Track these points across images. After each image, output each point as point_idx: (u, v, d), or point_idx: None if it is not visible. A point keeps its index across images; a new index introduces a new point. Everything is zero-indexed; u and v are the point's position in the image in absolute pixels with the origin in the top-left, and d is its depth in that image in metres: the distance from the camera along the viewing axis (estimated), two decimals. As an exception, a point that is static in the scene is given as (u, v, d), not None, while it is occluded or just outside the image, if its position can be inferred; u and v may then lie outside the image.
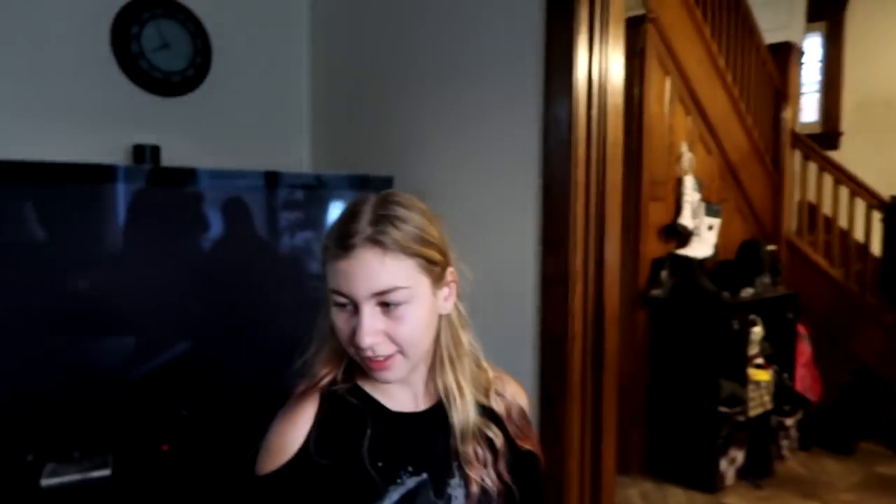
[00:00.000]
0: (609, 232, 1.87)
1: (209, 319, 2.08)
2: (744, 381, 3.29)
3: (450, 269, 0.90)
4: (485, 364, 0.97)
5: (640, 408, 3.34)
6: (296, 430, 0.87)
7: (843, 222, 4.18)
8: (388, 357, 0.85)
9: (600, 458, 1.95)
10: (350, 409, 0.89)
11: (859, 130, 4.91)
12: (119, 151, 2.20)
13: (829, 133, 5.04)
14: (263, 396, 2.05)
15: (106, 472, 1.80)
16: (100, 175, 1.90)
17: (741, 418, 3.28)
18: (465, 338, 0.94)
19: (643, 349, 3.34)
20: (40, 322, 1.87)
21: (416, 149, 2.18)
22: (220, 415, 2.04)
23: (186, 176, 1.99)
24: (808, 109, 5.17)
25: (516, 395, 1.01)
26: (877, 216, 3.98)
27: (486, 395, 0.96)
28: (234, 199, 2.05)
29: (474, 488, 0.90)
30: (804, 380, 3.81)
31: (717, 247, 3.51)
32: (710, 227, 3.43)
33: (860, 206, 4.05)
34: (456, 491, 0.90)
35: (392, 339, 0.84)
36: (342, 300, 0.84)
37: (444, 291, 0.90)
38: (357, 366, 0.90)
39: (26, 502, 1.73)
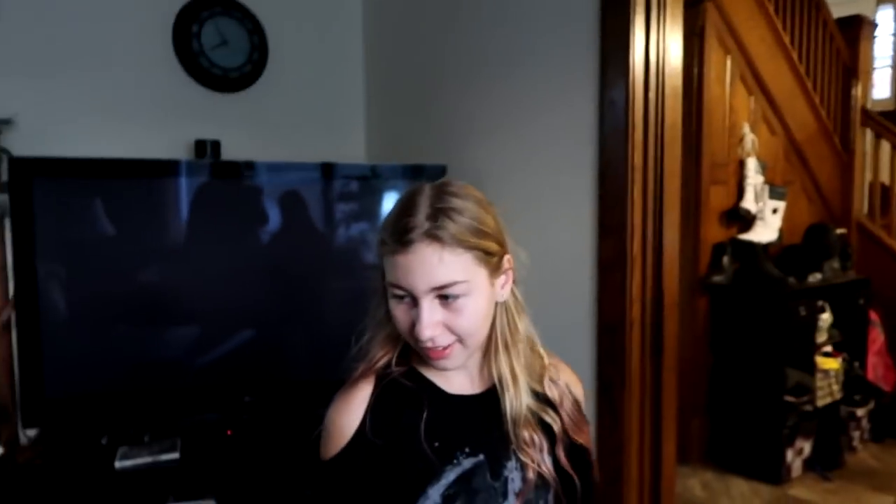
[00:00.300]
0: (668, 216, 1.82)
1: (269, 309, 2.12)
2: (811, 369, 3.16)
3: (507, 257, 0.90)
4: (540, 350, 0.97)
5: (701, 396, 3.26)
6: (352, 411, 0.88)
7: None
8: (446, 346, 0.85)
9: (660, 448, 1.91)
10: (406, 390, 0.90)
11: (937, 106, 4.64)
12: (181, 147, 2.27)
13: (903, 110, 4.78)
14: (321, 384, 2.10)
15: (175, 456, 1.87)
16: (163, 170, 1.96)
17: (808, 408, 3.16)
18: (521, 324, 0.93)
19: (703, 336, 3.25)
20: (112, 313, 1.95)
21: (470, 137, 2.17)
22: (280, 401, 2.09)
23: (245, 169, 2.03)
24: (881, 86, 4.91)
25: (571, 384, 1.00)
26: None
27: (541, 382, 0.95)
28: (290, 191, 2.08)
29: (531, 473, 0.89)
30: (876, 368, 3.64)
31: (782, 231, 3.37)
32: (775, 211, 3.30)
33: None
34: (513, 474, 0.90)
35: (451, 330, 0.85)
36: (401, 293, 0.84)
37: (501, 279, 0.90)
38: (412, 348, 0.91)
39: (102, 482, 1.81)
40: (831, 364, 3.27)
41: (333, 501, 0.89)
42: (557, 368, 0.99)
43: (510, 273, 0.91)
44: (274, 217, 2.08)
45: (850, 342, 3.44)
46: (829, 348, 3.31)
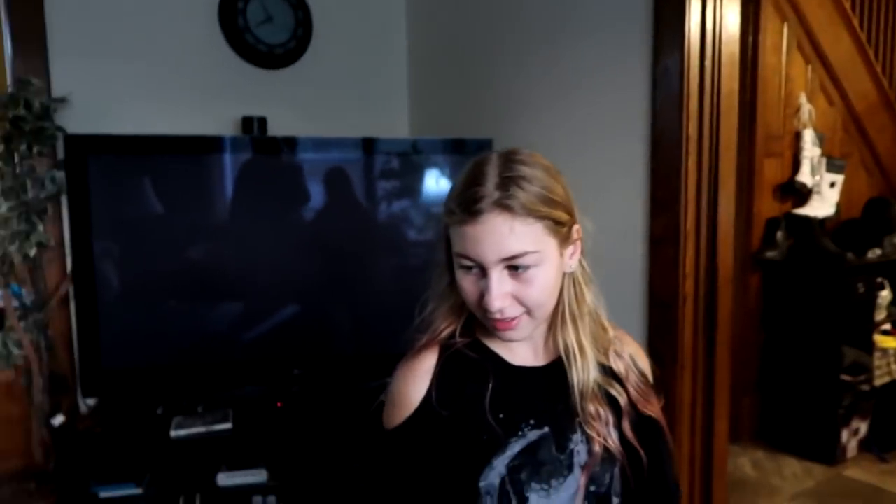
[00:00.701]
0: (723, 189, 1.76)
1: (316, 284, 2.14)
2: (869, 348, 3.04)
3: (576, 227, 0.87)
4: (605, 323, 0.94)
5: (752, 374, 3.17)
6: (417, 381, 0.87)
7: None
8: (514, 318, 0.83)
9: (712, 425, 1.87)
10: (470, 361, 0.89)
11: None
12: (229, 124, 2.28)
13: (971, 77, 4.51)
14: (367, 358, 2.11)
15: (227, 426, 1.91)
16: (209, 146, 1.97)
17: (865, 387, 3.04)
18: (589, 295, 0.91)
19: (755, 313, 3.16)
20: (165, 288, 1.99)
21: (517, 109, 2.13)
22: (328, 374, 2.11)
23: (287, 144, 2.04)
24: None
25: (636, 357, 0.97)
26: None
27: (606, 355, 0.92)
28: (332, 166, 2.08)
29: (597, 447, 0.88)
30: (938, 348, 3.49)
31: (839, 205, 3.24)
32: (832, 185, 3.17)
33: None
34: (578, 447, 0.88)
35: (520, 302, 0.83)
36: (469, 264, 0.82)
37: (570, 250, 0.87)
38: (476, 320, 0.89)
39: (158, 450, 1.86)
40: (890, 342, 3.14)
41: (396, 470, 0.89)
42: (622, 341, 0.96)
43: (578, 243, 0.88)
44: (317, 192, 2.09)
45: (911, 320, 3.29)
46: (888, 326, 3.18)
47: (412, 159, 2.14)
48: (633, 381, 0.93)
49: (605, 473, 0.89)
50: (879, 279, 3.12)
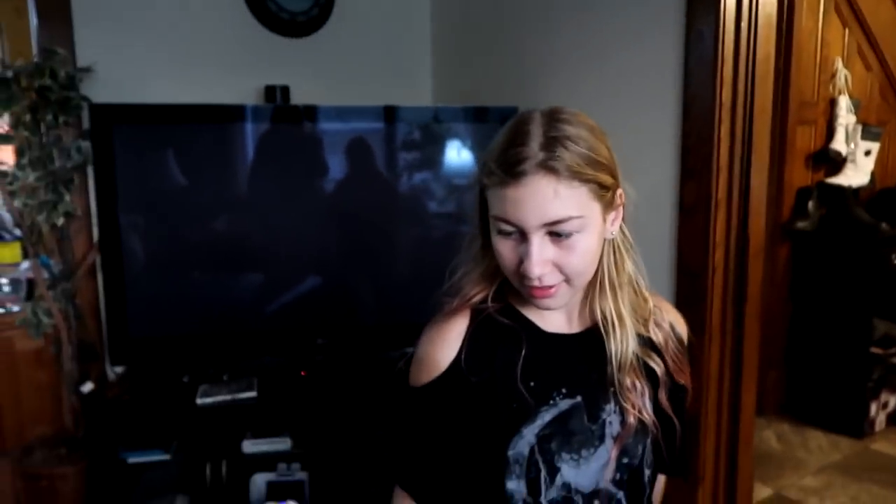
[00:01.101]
0: (756, 157, 1.69)
1: (340, 254, 2.12)
2: (901, 320, 2.97)
3: (619, 191, 0.83)
4: (645, 292, 0.90)
5: (779, 347, 3.11)
6: (447, 344, 0.84)
7: None
8: (553, 286, 0.79)
9: (739, 397, 1.83)
10: (502, 327, 0.85)
11: None
12: (252, 93, 2.25)
13: None
14: (389, 328, 2.10)
15: (252, 394, 1.91)
16: (231, 115, 1.94)
17: (896, 360, 2.98)
18: (629, 263, 0.87)
19: (783, 285, 3.09)
20: (190, 257, 1.99)
21: (543, 76, 2.06)
22: (351, 344, 2.10)
23: (307, 112, 2.00)
24: None
25: (675, 324, 0.94)
26: None
27: (646, 325, 0.88)
28: (353, 134, 2.05)
29: (631, 419, 0.85)
30: (972, 321, 3.39)
31: (874, 174, 3.13)
32: (868, 153, 3.06)
33: None
34: (611, 417, 0.85)
35: (560, 269, 0.79)
36: (508, 228, 0.78)
37: (612, 215, 0.83)
38: (509, 285, 0.85)
39: (185, 417, 1.88)
40: (923, 315, 3.06)
41: (421, 427, 0.87)
42: (662, 309, 0.92)
43: (621, 209, 0.84)
44: (339, 161, 2.06)
45: (944, 293, 3.20)
46: (921, 299, 3.09)
47: (434, 128, 2.09)
48: (671, 350, 0.90)
49: (637, 445, 0.86)
50: (914, 250, 3.03)
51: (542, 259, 0.77)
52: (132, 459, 1.83)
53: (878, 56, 3.19)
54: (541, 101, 2.02)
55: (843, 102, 3.00)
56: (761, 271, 1.82)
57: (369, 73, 2.47)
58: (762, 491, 2.46)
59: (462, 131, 2.09)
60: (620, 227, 0.85)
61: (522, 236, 0.77)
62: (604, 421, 0.85)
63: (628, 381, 0.85)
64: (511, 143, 0.77)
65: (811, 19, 2.86)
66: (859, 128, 3.03)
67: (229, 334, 2.01)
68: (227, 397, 1.88)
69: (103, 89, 1.99)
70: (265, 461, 1.92)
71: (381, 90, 2.44)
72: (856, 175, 3.05)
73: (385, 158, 2.11)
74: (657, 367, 0.87)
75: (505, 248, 0.79)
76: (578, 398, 0.84)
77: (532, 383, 0.83)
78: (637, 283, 0.89)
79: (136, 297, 1.91)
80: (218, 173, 2.00)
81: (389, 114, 2.04)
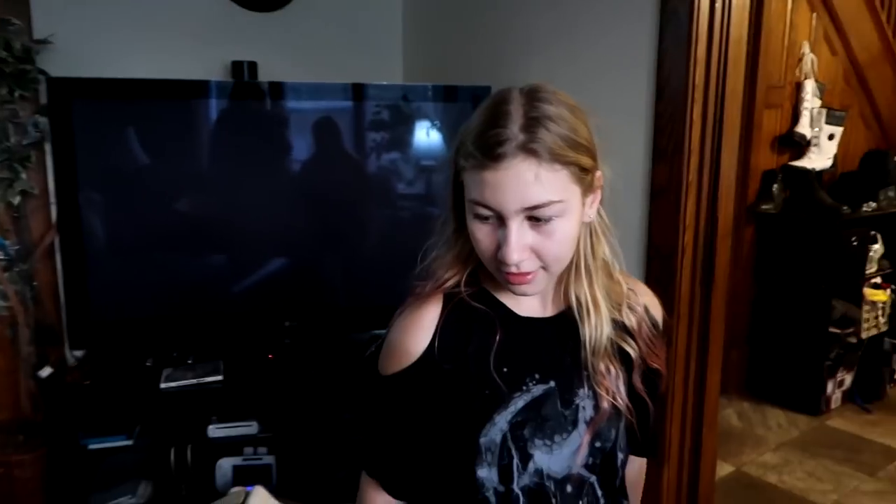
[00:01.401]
0: (727, 140, 1.69)
1: (308, 235, 2.08)
2: (859, 301, 3.04)
3: (598, 173, 0.79)
4: (618, 276, 0.87)
5: (741, 327, 3.16)
6: (420, 332, 0.81)
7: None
8: (530, 272, 0.76)
9: (704, 377, 1.85)
10: (476, 313, 0.82)
11: None
12: (218, 68, 2.17)
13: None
14: (358, 310, 2.07)
15: (218, 378, 1.87)
16: (194, 91, 1.87)
17: (853, 340, 3.05)
18: (605, 247, 0.84)
19: (748, 267, 3.13)
20: (153, 238, 1.92)
21: (517, 55, 2.03)
22: (320, 326, 2.06)
23: (273, 89, 1.94)
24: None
25: (650, 307, 0.92)
26: None
27: (619, 310, 0.86)
28: (320, 112, 1.99)
29: (605, 404, 0.83)
30: (923, 301, 3.49)
31: (837, 158, 3.18)
32: (831, 137, 3.10)
33: None
34: (584, 402, 0.84)
35: (538, 255, 0.76)
36: (485, 212, 0.74)
37: (591, 198, 0.80)
38: (482, 269, 0.82)
39: (148, 402, 1.82)
40: (880, 296, 3.13)
41: (390, 415, 0.85)
42: (636, 291, 0.90)
43: (599, 191, 0.81)
44: (305, 140, 2.01)
45: (899, 273, 3.28)
46: (878, 280, 3.16)
47: (403, 106, 2.04)
48: (644, 334, 0.87)
49: (611, 429, 0.85)
50: (872, 232, 3.09)
51: (520, 244, 0.74)
52: (93, 445, 1.77)
53: (843, 41, 3.22)
54: (514, 79, 1.98)
55: (810, 86, 3.03)
56: (729, 253, 1.83)
57: (339, 50, 2.40)
58: (723, 468, 2.51)
59: (432, 110, 2.05)
60: (598, 211, 0.82)
61: (500, 221, 0.74)
62: (577, 406, 0.83)
63: (602, 366, 0.83)
64: (489, 124, 0.73)
65: (780, 3, 2.87)
66: (824, 112, 3.07)
67: (194, 317, 1.96)
68: (193, 381, 1.83)
69: (62, 62, 1.90)
70: (231, 446, 1.88)
71: (351, 67, 2.37)
72: (819, 158, 3.09)
73: (353, 137, 2.06)
74: (631, 350, 0.86)
75: (481, 233, 0.76)
76: (552, 383, 0.82)
77: (505, 369, 0.81)
78: (612, 266, 0.86)
79: (97, 279, 1.85)
80: (182, 151, 1.93)
81: (357, 92, 1.99)
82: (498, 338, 0.81)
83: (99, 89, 1.80)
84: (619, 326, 0.86)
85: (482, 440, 0.79)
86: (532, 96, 0.75)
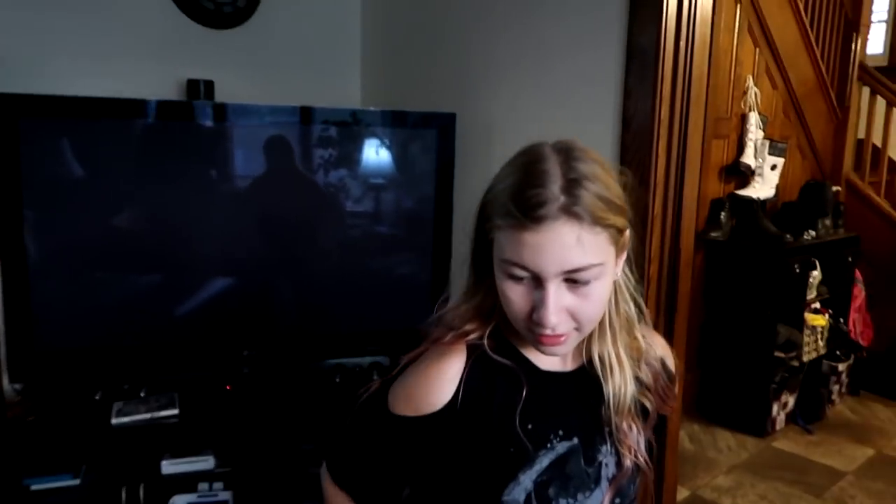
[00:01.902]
0: (689, 173, 1.76)
1: (266, 261, 2.03)
2: (800, 325, 3.18)
3: (627, 233, 0.79)
4: (637, 333, 0.87)
5: (692, 351, 3.27)
6: (444, 383, 0.79)
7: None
8: (564, 333, 0.76)
9: (667, 405, 1.90)
10: (499, 366, 0.81)
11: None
12: (174, 86, 2.12)
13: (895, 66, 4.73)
14: (321, 336, 2.04)
15: (173, 412, 1.80)
16: (140, 110, 1.81)
17: (795, 363, 3.19)
18: (630, 304, 0.84)
19: (697, 292, 3.24)
20: (102, 263, 1.84)
21: (481, 83, 2.05)
22: (279, 355, 2.02)
23: (221, 110, 1.90)
24: (874, 41, 4.84)
25: (666, 358, 0.92)
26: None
27: (638, 365, 0.86)
28: (273, 134, 1.95)
29: (627, 462, 0.84)
30: (856, 325, 3.68)
31: (778, 188, 3.34)
32: (773, 167, 3.26)
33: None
34: (606, 458, 0.84)
35: (573, 316, 0.75)
36: (521, 274, 0.73)
37: (622, 256, 0.80)
38: (503, 323, 0.82)
39: (97, 438, 1.74)
40: (819, 321, 3.30)
41: (386, 447, 0.84)
42: (652, 344, 0.90)
43: (626, 248, 0.81)
44: (256, 162, 1.97)
45: (835, 299, 3.46)
46: (817, 305, 3.33)
47: (353, 130, 2.03)
48: (660, 388, 0.88)
49: (630, 485, 0.86)
50: (812, 259, 3.25)
51: (558, 307, 0.73)
52: (36, 486, 1.67)
53: (782, 75, 3.40)
54: (478, 107, 2.04)
55: (753, 118, 3.18)
56: (690, 282, 1.89)
57: (297, 70, 2.38)
58: (680, 492, 2.57)
59: (382, 135, 2.05)
60: (623, 268, 0.82)
61: (535, 281, 0.73)
62: (600, 463, 0.83)
63: (625, 425, 0.83)
64: (527, 184, 0.72)
65: (727, 38, 3.01)
66: (767, 143, 3.23)
67: (146, 347, 1.88)
68: (146, 416, 1.75)
69: (10, 79, 1.81)
70: (186, 482, 1.81)
71: (309, 88, 2.36)
72: (763, 188, 3.24)
73: (304, 160, 2.03)
74: (649, 405, 0.87)
75: (515, 294, 0.75)
76: (575, 440, 0.82)
77: (530, 426, 0.80)
78: (634, 323, 0.86)
79: (40, 306, 1.75)
80: (133, 172, 1.87)
81: (306, 115, 1.96)
82: (524, 393, 0.80)
83: (47, 107, 1.72)
84: (639, 383, 0.86)
85: (505, 498, 0.78)
86: (568, 155, 0.74)
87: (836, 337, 3.47)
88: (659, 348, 0.92)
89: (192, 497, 1.81)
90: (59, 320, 1.79)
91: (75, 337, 1.81)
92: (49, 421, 1.73)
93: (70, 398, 1.80)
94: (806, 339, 3.23)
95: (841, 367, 3.53)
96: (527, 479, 0.79)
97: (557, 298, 0.73)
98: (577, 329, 0.77)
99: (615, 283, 0.81)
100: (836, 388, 3.53)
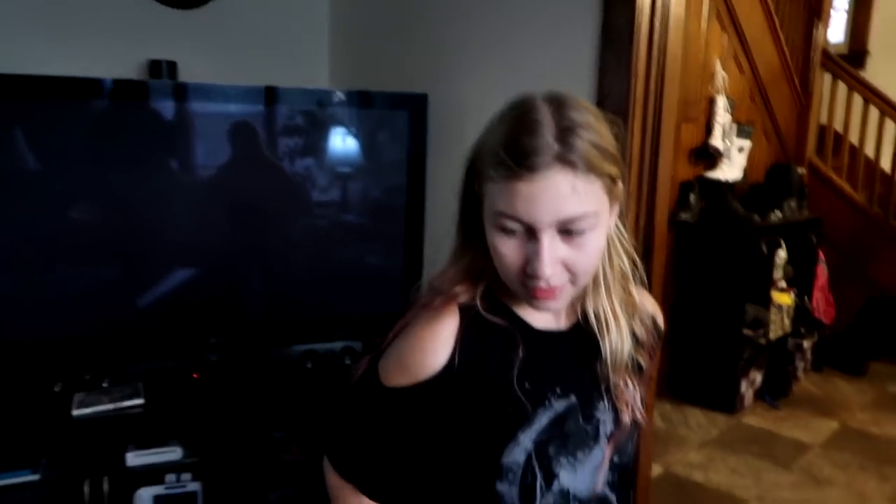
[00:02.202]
0: (663, 154, 1.68)
1: (232, 246, 1.93)
2: (767, 304, 3.16)
3: (620, 184, 0.75)
4: (632, 288, 0.83)
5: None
6: (438, 346, 0.74)
7: (869, 146, 3.93)
8: (559, 286, 0.71)
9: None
10: (494, 327, 0.77)
11: (886, 50, 4.58)
12: (134, 67, 1.98)
13: (855, 53, 4.70)
14: (290, 323, 1.94)
15: (139, 401, 1.69)
16: (96, 90, 1.68)
17: (763, 341, 3.17)
18: (624, 258, 0.80)
19: (667, 273, 3.19)
20: (63, 251, 1.71)
21: (452, 63, 1.95)
22: (247, 341, 1.91)
23: (181, 90, 1.77)
24: (835, 29, 4.82)
25: (656, 315, 0.89)
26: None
27: (633, 321, 0.82)
28: (236, 117, 1.83)
29: (626, 419, 0.80)
30: (819, 303, 3.69)
31: (746, 170, 3.30)
32: (741, 150, 3.21)
33: (889, 127, 3.81)
34: (604, 416, 0.80)
35: (569, 268, 0.71)
36: (514, 226, 0.69)
37: (616, 208, 0.76)
38: (495, 283, 0.77)
39: (58, 431, 1.62)
40: (785, 299, 3.28)
41: (386, 424, 0.78)
42: (642, 301, 0.86)
43: (618, 202, 0.76)
44: (218, 145, 1.83)
45: (799, 278, 3.45)
46: (783, 284, 3.31)
47: (321, 111, 1.91)
48: (649, 344, 0.85)
49: (628, 442, 0.82)
50: (778, 239, 3.22)
51: (553, 258, 0.69)
52: (-8, 482, 1.55)
53: (749, 60, 3.35)
54: (451, 88, 1.93)
55: (721, 102, 3.12)
56: (664, 263, 1.83)
57: (264, 51, 2.25)
58: (653, 469, 2.52)
59: (350, 116, 1.94)
60: (616, 222, 0.78)
61: (529, 234, 0.69)
62: (598, 420, 0.80)
63: (621, 381, 0.80)
64: (520, 133, 0.68)
65: (696, 23, 2.94)
66: (734, 126, 3.18)
67: (108, 337, 1.76)
68: (109, 406, 1.64)
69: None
70: (152, 474, 1.70)
71: (276, 69, 2.22)
72: (731, 170, 3.19)
73: (267, 141, 1.91)
74: (644, 363, 0.83)
75: (507, 247, 0.71)
76: (573, 398, 0.78)
77: (527, 385, 0.76)
78: (627, 279, 0.82)
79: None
80: (89, 156, 1.73)
81: (270, 95, 1.84)
82: (521, 353, 0.76)
83: (-2, 86, 1.58)
84: (634, 339, 0.83)
85: (504, 459, 0.75)
86: (560, 104, 0.70)
87: (801, 315, 3.47)
88: (649, 305, 0.89)
89: (159, 489, 1.70)
90: (14, 311, 1.66)
91: (33, 328, 1.69)
92: (6, 415, 1.60)
93: (28, 390, 1.67)
94: (773, 317, 3.21)
95: (806, 344, 3.53)
96: (526, 439, 0.75)
97: (552, 249, 0.69)
98: (572, 281, 0.73)
99: (609, 237, 0.77)
100: (800, 364, 3.53)
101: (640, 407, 0.82)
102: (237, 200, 1.91)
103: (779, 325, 3.27)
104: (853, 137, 4.01)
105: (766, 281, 3.15)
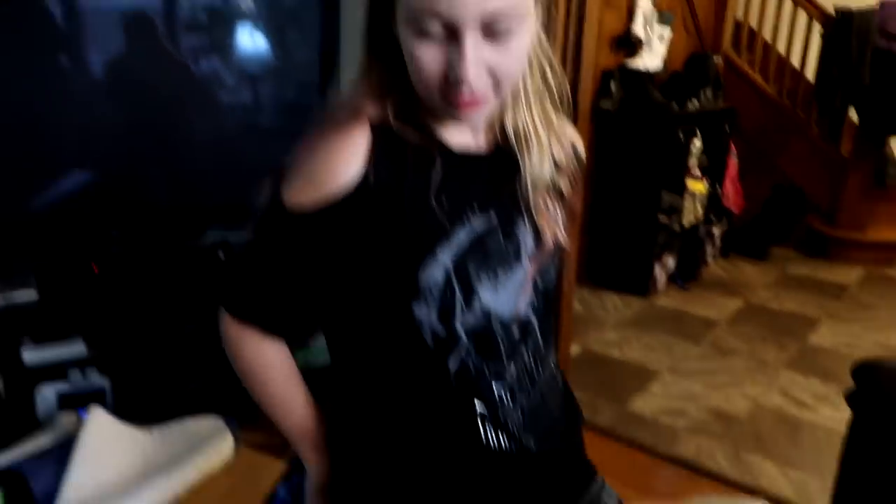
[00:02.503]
0: (587, 38, 1.58)
1: (133, 137, 1.75)
2: (682, 191, 3.18)
3: None
4: (549, 106, 0.75)
5: (581, 219, 3.21)
6: (350, 158, 0.66)
7: (781, 41, 3.91)
8: (482, 95, 0.65)
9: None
10: (408, 144, 0.69)
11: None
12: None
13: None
14: (188, 210, 1.80)
15: (30, 293, 1.52)
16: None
17: (676, 227, 3.21)
18: (547, 73, 0.72)
19: (588, 161, 3.15)
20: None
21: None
22: (150, 232, 1.75)
23: None
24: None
25: (576, 143, 0.83)
26: (817, 31, 3.74)
27: (552, 141, 0.75)
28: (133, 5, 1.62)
29: (547, 239, 0.75)
30: (729, 193, 3.75)
31: (666, 59, 3.22)
32: (661, 38, 3.12)
33: (802, 17, 3.78)
34: (524, 235, 0.75)
35: (493, 74, 0.64)
36: (433, 27, 0.61)
37: (540, 14, 0.68)
38: (409, 102, 0.69)
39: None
40: (698, 187, 3.31)
41: (291, 252, 0.70)
42: (563, 126, 0.79)
43: (543, 5, 0.69)
44: (119, 36, 1.65)
45: (712, 168, 3.47)
46: (697, 172, 3.32)
47: None
48: (569, 172, 0.79)
49: (550, 266, 0.78)
50: (694, 128, 3.21)
51: (478, 59, 0.62)
52: None
53: (671, -55, 3.20)
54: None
55: (643, -13, 2.99)
56: (585, 155, 1.75)
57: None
58: (572, 349, 2.56)
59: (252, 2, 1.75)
60: (538, 31, 0.69)
61: (450, 37, 0.62)
62: (519, 239, 0.75)
63: (540, 201, 0.75)
64: None
65: None
66: (655, 13, 3.07)
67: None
68: (-4, 300, 1.47)
69: None
70: (54, 370, 1.57)
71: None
72: (651, 59, 3.11)
73: (167, 29, 1.72)
74: (564, 188, 0.78)
75: (427, 54, 0.63)
76: (492, 215, 0.73)
77: (444, 199, 0.69)
78: (545, 95, 0.73)
79: None
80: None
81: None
82: (438, 170, 0.69)
83: None
84: (554, 163, 0.76)
85: (422, 276, 0.69)
86: None
87: (713, 203, 3.52)
88: (570, 131, 0.82)
89: (63, 386, 1.58)
90: None
91: None
92: None
93: None
94: (686, 204, 3.25)
95: (716, 231, 3.61)
96: (444, 256, 0.69)
97: (476, 51, 0.62)
98: (495, 89, 0.66)
99: (532, 48, 0.70)
100: (710, 250, 3.63)
101: (563, 231, 0.78)
102: (138, 90, 1.75)
103: (692, 212, 3.32)
104: (766, 35, 3.97)
105: (682, 169, 3.16)
